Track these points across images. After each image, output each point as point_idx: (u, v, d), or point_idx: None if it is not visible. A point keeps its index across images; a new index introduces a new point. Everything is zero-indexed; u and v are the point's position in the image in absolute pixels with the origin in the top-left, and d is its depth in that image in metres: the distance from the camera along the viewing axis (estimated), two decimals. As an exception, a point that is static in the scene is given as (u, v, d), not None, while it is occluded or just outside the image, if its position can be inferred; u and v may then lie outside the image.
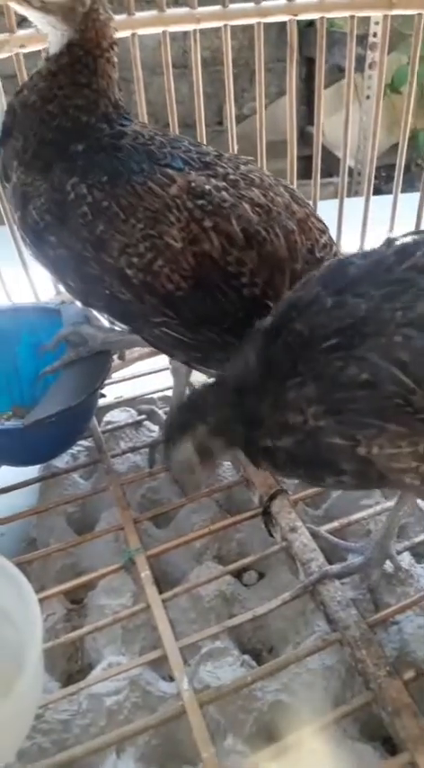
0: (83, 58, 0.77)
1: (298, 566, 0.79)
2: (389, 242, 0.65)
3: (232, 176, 0.80)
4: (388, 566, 0.78)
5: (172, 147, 0.80)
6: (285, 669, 0.70)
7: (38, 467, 1.00)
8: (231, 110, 1.14)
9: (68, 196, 0.77)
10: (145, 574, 0.78)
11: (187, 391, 1.07)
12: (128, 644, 0.79)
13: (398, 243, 0.64)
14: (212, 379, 0.71)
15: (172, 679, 0.73)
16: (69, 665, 0.81)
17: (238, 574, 0.85)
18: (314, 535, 0.81)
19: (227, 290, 0.77)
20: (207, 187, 0.78)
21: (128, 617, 0.77)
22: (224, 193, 0.78)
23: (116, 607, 0.80)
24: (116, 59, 0.80)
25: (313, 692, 0.70)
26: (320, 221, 0.86)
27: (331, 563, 0.78)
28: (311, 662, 0.71)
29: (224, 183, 0.79)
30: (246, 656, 0.75)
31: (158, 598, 0.76)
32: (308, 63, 2.66)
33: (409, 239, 0.64)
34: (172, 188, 0.77)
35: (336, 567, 0.77)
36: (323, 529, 0.83)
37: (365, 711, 0.67)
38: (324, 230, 0.86)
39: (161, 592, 0.78)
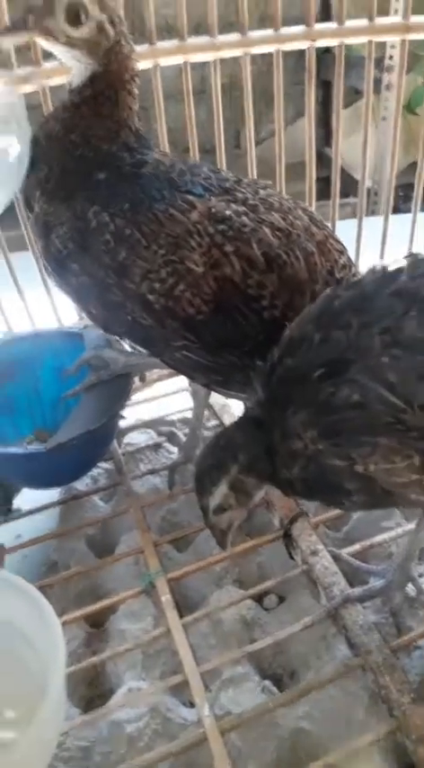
0: (106, 91, 0.79)
1: (320, 589, 0.78)
2: (373, 270, 0.66)
3: (251, 201, 0.81)
4: (410, 588, 0.77)
5: (193, 174, 0.82)
6: (306, 695, 0.69)
7: (59, 489, 1.00)
8: (250, 135, 1.16)
9: (90, 224, 0.78)
10: (166, 598, 0.78)
11: (206, 413, 1.08)
12: (149, 669, 0.78)
13: (380, 269, 0.65)
14: (235, 420, 0.72)
15: (192, 705, 0.73)
16: (89, 691, 0.81)
17: (259, 598, 0.85)
18: (336, 558, 0.80)
19: (248, 313, 0.78)
20: (228, 212, 0.79)
21: (149, 642, 0.77)
22: (244, 218, 0.79)
23: (136, 631, 0.80)
24: (137, 91, 0.82)
25: (336, 719, 0.69)
26: (338, 242, 0.87)
27: (352, 586, 0.77)
28: (333, 688, 0.70)
29: (244, 208, 0.80)
30: (267, 682, 0.74)
31: (179, 622, 0.76)
32: (324, 86, 2.69)
33: (394, 264, 0.65)
34: (192, 214, 0.78)
35: (358, 591, 0.76)
36: (345, 551, 0.82)
37: (389, 739, 0.65)
38: (343, 251, 0.87)
39: (181, 615, 0.78)
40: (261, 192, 0.84)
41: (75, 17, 0.74)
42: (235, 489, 0.67)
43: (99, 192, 0.79)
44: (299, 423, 0.62)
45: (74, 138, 0.80)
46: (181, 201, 0.78)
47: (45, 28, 0.74)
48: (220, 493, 0.67)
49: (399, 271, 0.64)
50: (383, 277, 0.64)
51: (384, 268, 0.65)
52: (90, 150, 0.80)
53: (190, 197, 0.79)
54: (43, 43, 0.78)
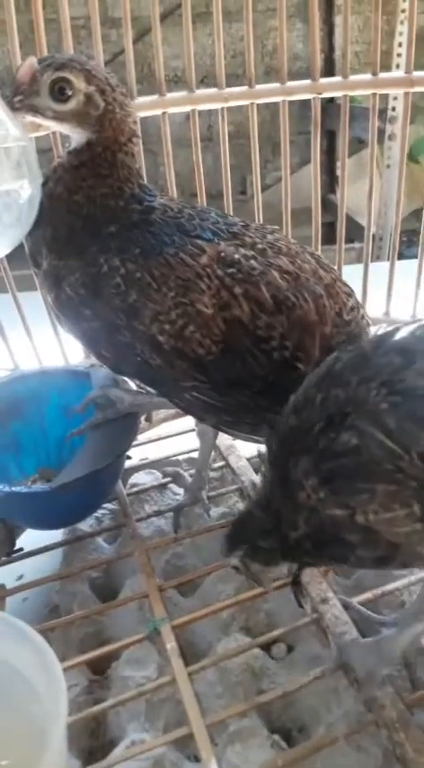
0: (103, 154, 0.80)
1: (330, 639, 0.76)
2: (374, 334, 0.68)
3: (259, 245, 0.83)
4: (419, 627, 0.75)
5: (201, 219, 0.83)
6: (318, 752, 0.67)
7: (62, 530, 0.99)
8: (257, 181, 1.18)
9: (102, 269, 0.79)
10: (171, 646, 0.76)
11: (212, 454, 1.07)
12: (152, 720, 0.76)
13: (379, 333, 0.66)
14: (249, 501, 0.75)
15: (197, 759, 0.70)
16: (90, 741, 0.78)
17: (267, 646, 0.82)
18: (346, 607, 0.78)
19: (257, 354, 0.78)
20: (237, 256, 0.80)
21: (153, 690, 0.75)
22: (252, 261, 0.80)
23: (140, 679, 0.78)
24: (136, 149, 0.84)
25: (348, 778, 0.66)
26: (346, 285, 0.88)
27: (364, 636, 0.75)
28: (345, 744, 0.67)
29: (252, 252, 0.82)
30: (276, 736, 0.71)
31: (184, 671, 0.74)
32: (329, 135, 2.78)
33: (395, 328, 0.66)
34: (202, 258, 0.79)
35: (369, 641, 0.74)
36: (355, 600, 0.80)
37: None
38: (350, 294, 0.88)
39: (186, 663, 0.75)
40: (269, 236, 0.86)
41: (59, 93, 0.76)
42: (244, 568, 0.70)
43: (110, 243, 0.80)
44: (301, 471, 0.62)
45: (78, 199, 0.81)
46: (191, 246, 0.80)
47: (32, 106, 0.76)
48: (235, 561, 0.70)
49: (395, 331, 0.65)
50: (382, 337, 0.65)
51: (383, 331, 0.66)
52: (96, 208, 0.81)
53: (200, 242, 0.81)
54: (32, 120, 0.79)
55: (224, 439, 1.09)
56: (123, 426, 0.94)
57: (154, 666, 0.79)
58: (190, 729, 0.68)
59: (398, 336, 0.64)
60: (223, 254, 0.80)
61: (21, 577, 0.94)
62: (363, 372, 0.62)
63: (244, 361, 0.78)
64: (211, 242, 0.81)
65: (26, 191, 0.69)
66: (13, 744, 0.59)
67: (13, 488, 0.89)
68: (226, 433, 0.90)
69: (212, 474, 1.06)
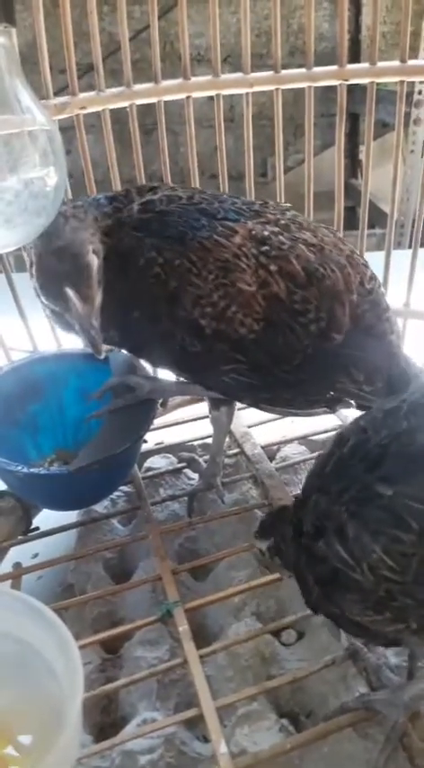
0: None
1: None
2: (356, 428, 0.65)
3: (282, 221, 0.85)
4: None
5: (220, 202, 0.85)
6: (325, 738, 0.68)
7: (77, 511, 1.00)
8: (280, 165, 1.17)
9: (139, 262, 0.80)
10: (183, 628, 0.77)
11: (226, 440, 1.08)
12: (163, 699, 0.77)
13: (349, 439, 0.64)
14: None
15: (206, 739, 0.72)
16: (102, 718, 0.80)
17: (277, 632, 0.84)
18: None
19: (296, 327, 0.81)
20: (266, 233, 0.82)
21: (165, 671, 0.76)
22: (281, 237, 0.83)
23: (152, 660, 0.79)
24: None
25: (354, 763, 0.67)
26: (361, 257, 0.91)
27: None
28: (352, 731, 0.69)
29: (277, 228, 0.84)
30: (284, 721, 0.73)
31: (195, 654, 0.75)
32: (351, 118, 2.73)
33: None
34: (235, 238, 0.81)
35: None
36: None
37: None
38: (367, 265, 0.90)
39: (197, 646, 0.77)
40: (287, 213, 0.88)
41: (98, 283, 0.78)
42: (270, 556, 0.70)
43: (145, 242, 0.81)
44: (304, 565, 0.64)
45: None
46: (222, 228, 0.81)
47: (97, 309, 0.77)
48: (263, 547, 0.70)
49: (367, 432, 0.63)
50: (355, 446, 0.63)
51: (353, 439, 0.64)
52: (107, 262, 0.80)
53: (229, 222, 0.82)
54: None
55: (238, 426, 1.09)
56: (140, 411, 0.95)
57: (166, 648, 0.81)
58: (200, 711, 0.70)
59: (370, 444, 0.62)
60: (253, 233, 0.82)
61: (36, 556, 0.96)
62: (340, 482, 0.61)
63: (285, 337, 0.81)
64: (238, 222, 0.82)
65: (52, 178, 0.69)
66: (32, 719, 0.61)
67: (32, 470, 0.90)
68: (264, 410, 0.91)
69: (227, 461, 1.06)
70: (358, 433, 0.63)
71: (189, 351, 0.81)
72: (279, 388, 0.83)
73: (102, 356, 0.79)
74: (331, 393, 0.86)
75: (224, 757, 0.65)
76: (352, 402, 0.88)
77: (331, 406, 0.89)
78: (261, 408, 0.91)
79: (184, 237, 0.80)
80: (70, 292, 0.75)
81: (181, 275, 0.79)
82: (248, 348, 0.80)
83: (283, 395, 0.84)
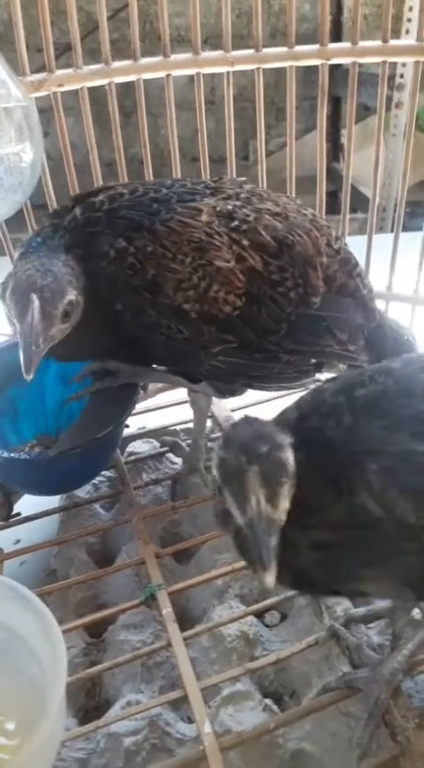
0: None
1: (323, 609, 0.77)
2: None
3: (242, 195, 0.85)
4: (416, 611, 0.77)
5: (167, 188, 0.84)
6: (308, 716, 0.68)
7: (59, 496, 1.00)
8: (261, 147, 1.16)
9: (109, 254, 0.78)
10: (167, 611, 0.77)
11: (209, 424, 1.07)
12: (148, 682, 0.78)
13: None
14: None
15: (191, 720, 0.72)
16: (87, 701, 0.80)
17: (260, 614, 0.84)
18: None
19: (278, 298, 0.81)
20: (230, 207, 0.82)
21: (149, 654, 0.77)
22: (245, 210, 0.82)
23: (136, 643, 0.80)
24: None
25: (337, 741, 0.68)
26: (323, 220, 0.92)
27: (356, 607, 0.77)
28: (334, 709, 0.69)
29: (239, 202, 0.84)
30: (268, 700, 0.73)
31: (179, 636, 0.75)
32: (333, 101, 2.72)
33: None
34: (201, 216, 0.80)
35: (361, 611, 0.76)
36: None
37: (391, 764, 0.65)
38: (329, 226, 0.91)
39: (181, 628, 0.77)
40: (245, 186, 0.88)
41: (65, 315, 0.75)
42: None
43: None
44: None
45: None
46: (183, 209, 0.80)
47: (50, 337, 0.74)
48: None
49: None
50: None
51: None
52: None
53: (188, 203, 0.81)
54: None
55: (221, 410, 1.09)
56: (122, 395, 0.94)
57: (150, 631, 0.81)
58: (185, 692, 0.70)
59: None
60: (218, 209, 0.81)
61: (18, 542, 0.95)
62: None
63: (268, 308, 0.81)
64: (198, 201, 0.81)
65: (28, 154, 0.68)
66: (16, 705, 0.60)
67: (12, 454, 0.89)
68: (259, 389, 0.92)
69: (209, 444, 1.06)
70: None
71: (177, 339, 0.80)
72: (270, 363, 0.83)
73: (30, 377, 0.74)
74: (321, 359, 0.87)
75: (208, 737, 0.66)
76: (341, 365, 0.89)
77: (320, 371, 0.90)
78: (256, 388, 0.91)
79: (142, 225, 0.78)
80: (34, 299, 0.72)
81: (157, 262, 0.78)
82: (235, 325, 0.80)
83: (274, 369, 0.84)
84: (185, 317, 0.79)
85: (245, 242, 0.80)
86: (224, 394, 0.92)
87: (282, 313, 0.81)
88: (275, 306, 0.81)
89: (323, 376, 0.89)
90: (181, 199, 0.81)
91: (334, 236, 0.89)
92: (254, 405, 1.10)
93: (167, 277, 0.78)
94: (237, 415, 1.09)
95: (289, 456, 0.53)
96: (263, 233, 0.81)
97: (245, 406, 1.10)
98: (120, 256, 0.78)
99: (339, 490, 0.55)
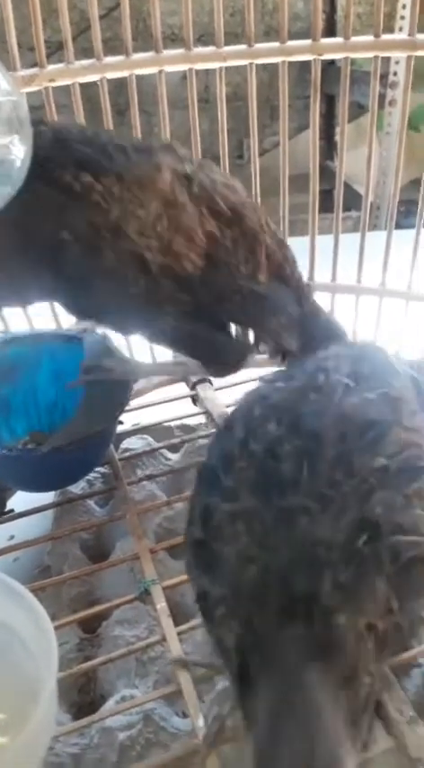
0: None
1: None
2: None
3: (194, 159, 0.84)
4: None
5: (119, 137, 0.81)
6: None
7: (53, 492, 0.99)
8: (254, 145, 1.16)
9: (73, 187, 0.74)
10: (161, 606, 0.77)
11: (203, 420, 1.08)
12: (142, 677, 0.77)
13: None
14: None
15: (185, 715, 0.72)
16: (81, 697, 0.80)
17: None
18: None
19: (232, 267, 0.81)
20: (188, 170, 0.81)
21: (143, 649, 0.76)
22: (201, 176, 0.81)
23: (130, 638, 0.79)
24: None
25: (331, 733, 0.68)
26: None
27: None
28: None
29: (193, 165, 0.82)
30: (262, 694, 0.73)
31: (174, 631, 0.75)
32: (327, 100, 2.73)
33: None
34: (164, 174, 0.78)
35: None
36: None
37: (386, 757, 0.65)
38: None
39: (175, 623, 0.77)
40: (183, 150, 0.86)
41: None
42: None
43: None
44: None
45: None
46: (142, 160, 0.78)
47: None
48: None
49: None
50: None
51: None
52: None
53: (146, 155, 0.79)
54: None
55: (215, 406, 1.09)
56: (116, 392, 0.94)
57: (144, 626, 0.80)
58: (179, 686, 0.70)
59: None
60: (177, 170, 0.80)
61: (12, 538, 0.94)
62: None
63: (224, 276, 0.80)
64: (156, 156, 0.79)
65: (17, 147, 0.68)
66: (7, 699, 0.60)
67: (3, 451, 0.89)
68: (195, 357, 0.91)
69: (204, 440, 1.06)
70: None
71: (130, 293, 0.77)
72: (218, 333, 0.83)
73: None
74: (264, 337, 0.87)
75: (202, 731, 0.66)
76: (278, 346, 0.89)
77: (257, 350, 0.90)
78: (212, 373, 0.91)
79: (101, 165, 0.75)
80: None
81: (123, 206, 0.75)
82: (193, 286, 0.79)
83: (220, 340, 0.84)
84: (145, 266, 0.76)
85: (204, 209, 0.79)
86: (219, 374, 0.92)
87: (236, 284, 0.81)
88: (230, 275, 0.80)
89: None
90: (137, 149, 0.79)
91: (266, 215, 0.88)
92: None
93: (131, 221, 0.75)
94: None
95: None
96: (220, 202, 0.80)
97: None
98: (85, 191, 0.74)
99: None
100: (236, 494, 0.50)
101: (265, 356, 0.95)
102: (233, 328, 0.88)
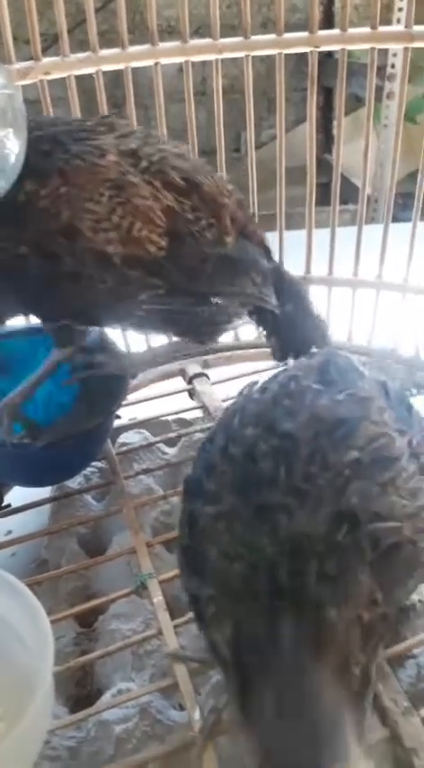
0: None
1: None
2: None
3: (138, 133, 0.83)
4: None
5: (55, 126, 0.78)
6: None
7: (50, 487, 0.99)
8: (251, 137, 1.16)
9: (17, 200, 0.72)
10: (158, 599, 0.77)
11: (200, 414, 1.07)
12: (139, 670, 0.78)
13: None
14: None
15: (182, 708, 0.72)
16: (77, 691, 0.80)
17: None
18: None
19: (197, 236, 0.80)
20: (133, 146, 0.79)
21: (139, 642, 0.77)
22: (147, 149, 0.80)
23: (127, 632, 0.79)
24: None
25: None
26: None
27: None
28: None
29: (140, 141, 0.81)
30: (258, 687, 0.73)
31: (170, 624, 0.75)
32: (325, 92, 2.71)
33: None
34: (109, 156, 0.76)
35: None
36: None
37: (380, 747, 0.65)
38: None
39: (172, 616, 0.77)
40: (136, 127, 0.87)
41: None
42: None
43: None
44: None
45: None
46: (85, 148, 0.76)
47: None
48: None
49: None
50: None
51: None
52: None
53: (88, 142, 0.77)
54: None
55: (213, 400, 1.09)
56: (113, 386, 0.94)
57: (141, 620, 0.80)
58: (175, 679, 0.70)
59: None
60: (122, 148, 0.78)
61: (10, 533, 0.95)
62: None
63: (190, 247, 0.79)
64: (98, 139, 0.77)
65: (11, 141, 0.67)
66: (4, 693, 0.60)
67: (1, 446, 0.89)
68: (190, 338, 0.91)
69: (201, 435, 1.06)
70: None
71: (99, 290, 0.75)
72: (200, 307, 0.82)
73: None
74: (244, 301, 0.87)
75: (198, 724, 0.66)
76: (255, 307, 0.90)
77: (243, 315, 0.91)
78: (188, 337, 0.90)
79: (38, 166, 0.72)
80: None
81: (71, 203, 0.72)
82: (162, 267, 0.77)
83: (205, 314, 0.83)
84: (108, 262, 0.74)
85: (157, 183, 0.78)
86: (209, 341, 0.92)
87: (203, 252, 0.80)
88: (196, 245, 0.79)
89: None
90: (76, 138, 0.77)
91: (223, 178, 0.88)
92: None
93: (84, 218, 0.73)
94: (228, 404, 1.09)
95: None
96: (171, 173, 0.79)
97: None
98: (30, 201, 0.71)
99: None
100: (218, 496, 0.52)
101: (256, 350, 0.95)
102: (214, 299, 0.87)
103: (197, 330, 0.88)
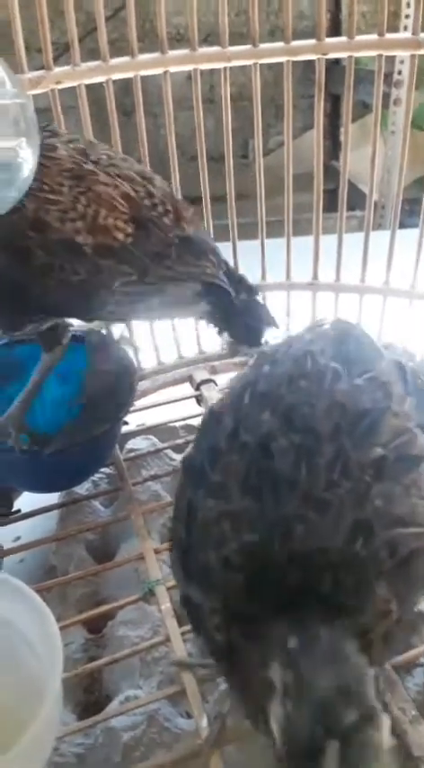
0: None
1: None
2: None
3: (82, 141, 0.84)
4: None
5: None
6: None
7: (59, 493, 1.00)
8: (259, 145, 1.16)
9: None
10: (165, 606, 0.77)
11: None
12: (146, 677, 0.78)
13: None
14: None
15: (189, 716, 0.72)
16: (85, 697, 0.80)
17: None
18: None
19: (157, 221, 0.83)
20: (81, 146, 0.81)
21: (147, 649, 0.77)
22: (95, 150, 0.83)
23: (135, 639, 0.80)
24: None
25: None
26: None
27: None
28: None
29: (82, 145, 0.82)
30: (266, 695, 0.73)
31: (178, 631, 0.75)
32: (332, 99, 2.72)
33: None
34: (60, 150, 0.78)
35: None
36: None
37: (388, 756, 0.65)
38: None
39: (179, 623, 0.77)
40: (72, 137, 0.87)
41: None
42: None
43: None
44: None
45: None
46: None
47: None
48: None
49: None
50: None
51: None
52: None
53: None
54: None
55: (211, 392, 1.09)
56: (120, 392, 0.94)
57: (149, 626, 0.81)
58: (183, 687, 0.70)
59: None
60: (71, 146, 0.80)
61: (18, 539, 0.95)
62: None
63: (154, 233, 0.82)
64: (45, 140, 0.77)
65: (24, 150, 0.68)
66: (13, 699, 0.60)
67: (9, 451, 0.89)
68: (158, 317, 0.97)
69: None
70: None
71: (73, 282, 0.76)
72: (166, 287, 0.85)
73: None
74: (205, 280, 0.90)
75: (205, 731, 0.66)
76: (214, 286, 0.92)
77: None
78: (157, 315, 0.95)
79: None
80: None
81: (35, 197, 0.73)
82: (131, 254, 0.79)
83: (169, 294, 0.86)
84: (79, 252, 0.75)
85: (111, 172, 0.80)
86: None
87: (167, 238, 0.83)
88: (159, 231, 0.82)
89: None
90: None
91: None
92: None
93: (50, 209, 0.74)
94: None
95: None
96: (122, 165, 0.82)
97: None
98: None
99: None
100: (224, 490, 0.47)
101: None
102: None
103: (168, 312, 0.92)
